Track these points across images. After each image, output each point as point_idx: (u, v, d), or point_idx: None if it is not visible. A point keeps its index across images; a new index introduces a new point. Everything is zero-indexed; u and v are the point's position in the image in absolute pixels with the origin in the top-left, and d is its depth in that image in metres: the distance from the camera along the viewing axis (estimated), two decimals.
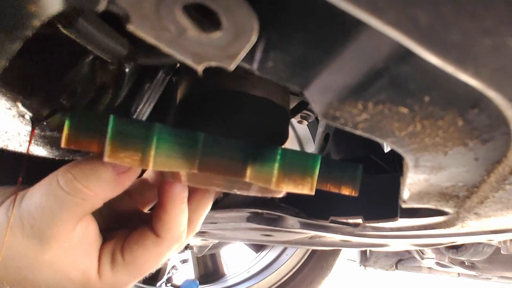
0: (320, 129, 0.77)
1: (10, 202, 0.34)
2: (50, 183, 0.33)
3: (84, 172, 0.33)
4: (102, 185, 0.33)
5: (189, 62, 0.19)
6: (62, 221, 0.33)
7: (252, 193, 0.37)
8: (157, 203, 0.38)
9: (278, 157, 0.31)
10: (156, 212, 0.38)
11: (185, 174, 0.35)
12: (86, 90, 0.40)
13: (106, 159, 0.28)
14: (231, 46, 0.18)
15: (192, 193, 0.41)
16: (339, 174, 0.38)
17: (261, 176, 0.32)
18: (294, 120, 0.85)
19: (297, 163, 0.31)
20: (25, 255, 0.33)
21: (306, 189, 0.32)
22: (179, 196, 0.37)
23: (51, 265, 0.34)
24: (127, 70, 0.43)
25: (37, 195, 0.33)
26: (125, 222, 0.42)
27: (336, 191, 0.38)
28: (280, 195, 0.39)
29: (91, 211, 0.35)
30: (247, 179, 0.33)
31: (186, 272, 1.89)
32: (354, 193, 0.39)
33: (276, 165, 0.31)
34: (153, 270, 0.39)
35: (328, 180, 0.38)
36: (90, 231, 0.37)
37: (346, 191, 0.38)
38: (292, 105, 0.70)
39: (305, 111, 0.79)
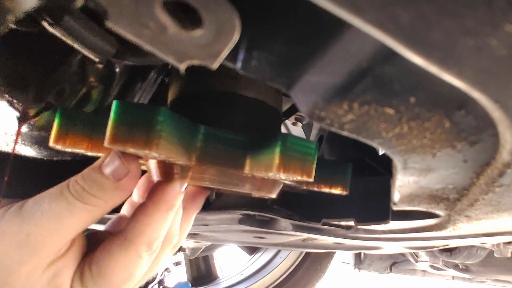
0: (314, 131, 0.77)
1: (4, 211, 0.34)
2: (61, 191, 0.33)
3: (88, 183, 0.33)
4: (107, 193, 0.33)
5: (171, 60, 0.19)
6: (69, 227, 0.33)
7: (245, 190, 0.37)
8: (138, 206, 0.36)
9: (280, 142, 0.30)
10: (135, 213, 0.35)
11: (180, 170, 0.34)
12: (75, 89, 0.39)
13: (106, 144, 0.28)
14: (213, 45, 0.18)
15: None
16: (329, 174, 0.38)
17: (262, 164, 0.31)
18: (288, 122, 0.85)
19: (296, 148, 0.31)
20: (4, 268, 0.32)
21: (306, 174, 0.31)
22: (168, 202, 0.35)
23: (26, 281, 0.33)
24: (117, 69, 0.43)
25: (45, 202, 0.33)
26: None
27: (327, 190, 0.38)
28: (273, 196, 0.39)
29: (101, 217, 0.35)
30: (246, 171, 0.32)
31: (178, 274, 1.88)
32: (344, 192, 0.39)
33: (278, 150, 0.30)
34: (127, 284, 0.36)
35: (318, 180, 0.37)
36: (77, 244, 0.36)
37: (336, 190, 0.38)
38: (286, 106, 0.70)
39: (299, 113, 0.79)
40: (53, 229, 0.32)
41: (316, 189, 0.38)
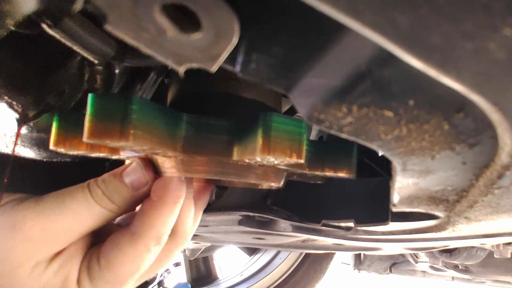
0: (313, 132, 0.76)
1: (15, 203, 0.34)
2: (83, 191, 0.34)
3: (108, 188, 0.35)
4: (124, 200, 0.35)
5: (170, 63, 0.19)
6: (84, 226, 0.34)
7: (250, 180, 0.35)
8: (145, 200, 0.36)
9: (261, 121, 0.28)
10: (142, 207, 0.36)
11: (174, 163, 0.34)
12: (74, 91, 0.39)
13: (85, 139, 0.27)
14: (212, 48, 0.18)
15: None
16: (333, 156, 0.36)
17: (247, 148, 0.30)
18: None
19: (282, 128, 0.29)
20: (12, 261, 0.32)
21: (296, 155, 0.29)
22: (172, 193, 0.35)
23: (32, 274, 0.33)
24: (116, 71, 0.43)
25: (67, 200, 0.34)
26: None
27: (332, 173, 0.37)
28: (279, 185, 0.38)
29: (112, 220, 0.36)
30: (235, 157, 0.31)
31: (178, 275, 1.88)
32: (350, 175, 0.37)
33: (260, 130, 0.28)
34: (134, 276, 0.36)
35: (323, 164, 0.36)
36: (82, 239, 0.36)
37: (342, 174, 0.37)
38: (286, 107, 0.70)
39: (298, 114, 0.79)
40: (69, 227, 0.33)
41: (320, 173, 0.36)
